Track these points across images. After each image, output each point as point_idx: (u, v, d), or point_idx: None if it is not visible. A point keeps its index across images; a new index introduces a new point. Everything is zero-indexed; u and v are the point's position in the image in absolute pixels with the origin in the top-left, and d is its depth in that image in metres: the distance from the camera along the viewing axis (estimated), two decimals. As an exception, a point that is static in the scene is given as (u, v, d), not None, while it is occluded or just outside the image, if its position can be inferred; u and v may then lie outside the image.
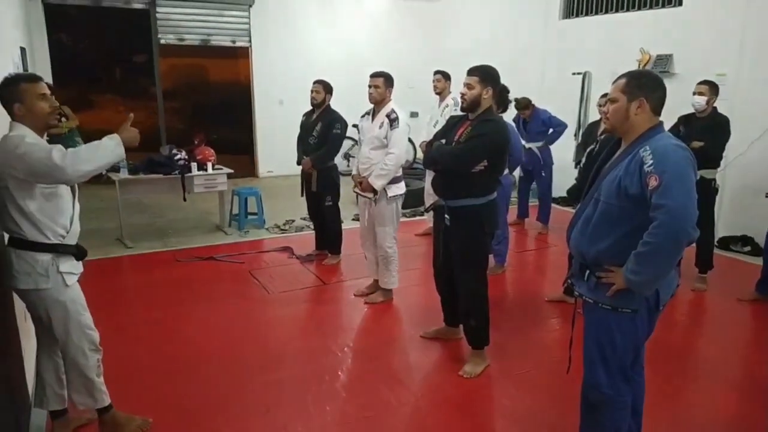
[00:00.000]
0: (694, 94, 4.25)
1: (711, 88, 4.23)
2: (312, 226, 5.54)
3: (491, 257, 4.94)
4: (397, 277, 4.20)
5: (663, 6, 6.58)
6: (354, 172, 4.27)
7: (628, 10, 7.01)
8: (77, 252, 2.41)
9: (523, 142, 6.26)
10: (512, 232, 6.10)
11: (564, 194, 6.35)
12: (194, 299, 4.29)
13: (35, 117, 2.27)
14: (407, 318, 4.05)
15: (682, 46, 6.21)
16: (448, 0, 9.85)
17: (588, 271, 2.15)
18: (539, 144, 6.20)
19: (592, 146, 3.76)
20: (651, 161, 1.92)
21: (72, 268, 2.38)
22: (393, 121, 3.93)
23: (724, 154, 4.42)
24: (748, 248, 5.45)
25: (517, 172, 6.47)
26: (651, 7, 6.72)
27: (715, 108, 4.28)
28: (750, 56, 5.56)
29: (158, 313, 4.01)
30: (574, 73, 7.51)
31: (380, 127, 3.97)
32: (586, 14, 7.58)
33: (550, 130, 6.19)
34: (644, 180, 1.92)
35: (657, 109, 2.08)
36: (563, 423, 2.77)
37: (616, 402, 2.17)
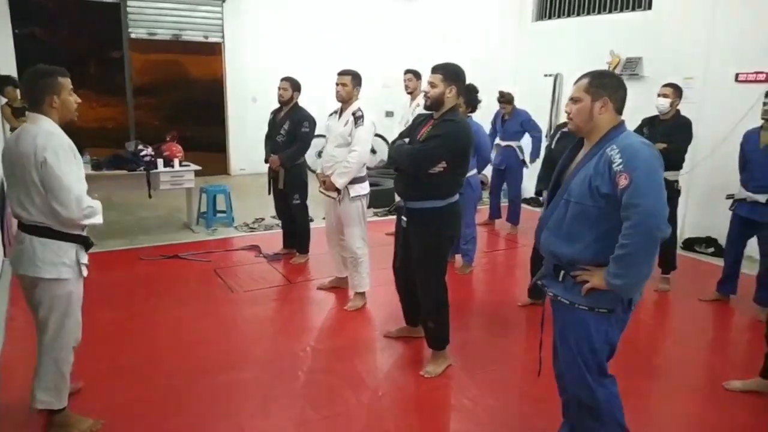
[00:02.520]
0: (658, 96, 4.30)
1: (675, 90, 4.28)
2: (280, 225, 5.48)
3: (459, 257, 4.97)
4: (368, 279, 4.15)
5: (633, 9, 6.67)
6: (318, 171, 4.23)
7: (599, 13, 7.09)
8: (90, 243, 2.50)
9: (498, 140, 6.32)
10: (482, 232, 6.13)
11: (534, 195, 6.41)
12: (156, 298, 4.20)
13: (67, 111, 2.38)
14: (374, 318, 4.02)
15: (651, 49, 6.30)
16: (424, 0, 9.84)
17: (563, 272, 2.14)
18: (516, 143, 6.22)
19: (548, 142, 3.77)
20: (620, 160, 1.93)
21: (86, 259, 2.47)
22: (358, 119, 3.89)
23: (687, 156, 4.49)
24: (711, 249, 5.54)
25: (489, 172, 6.50)
26: (621, 11, 6.81)
27: (678, 111, 4.33)
28: (717, 60, 5.65)
29: (118, 312, 3.92)
30: (546, 75, 7.56)
31: (345, 125, 3.94)
32: (559, 16, 7.65)
33: (531, 138, 6.25)
34: (614, 179, 1.92)
35: (620, 109, 2.10)
36: (524, 423, 2.78)
37: (608, 396, 2.17)
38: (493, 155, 6.24)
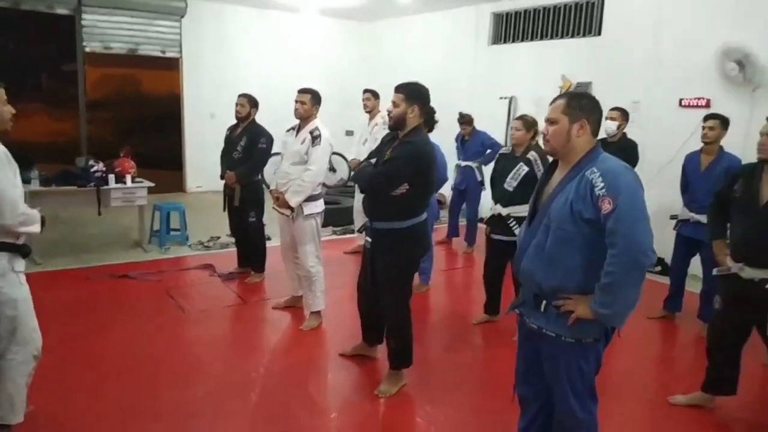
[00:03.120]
0: (606, 119, 4.46)
1: (622, 114, 4.45)
2: (235, 243, 5.40)
3: (416, 275, 4.98)
4: (322, 298, 4.09)
5: (583, 35, 6.93)
6: (273, 187, 4.20)
7: (551, 38, 7.33)
8: (26, 251, 2.44)
9: (460, 161, 6.41)
10: (440, 251, 6.18)
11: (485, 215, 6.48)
12: (104, 319, 4.06)
13: (0, 121, 2.35)
14: (330, 338, 3.98)
15: (600, 74, 6.54)
16: (383, 21, 10.00)
17: (545, 302, 2.06)
18: (475, 164, 6.31)
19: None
20: (602, 184, 1.89)
21: (23, 267, 2.41)
22: (315, 138, 3.88)
23: (634, 178, 4.64)
24: (658, 268, 5.72)
25: (448, 192, 6.57)
26: (573, 36, 7.06)
27: (624, 133, 4.50)
28: (661, 85, 5.91)
29: (64, 333, 3.75)
30: (501, 98, 7.75)
31: (302, 143, 3.93)
32: (513, 41, 7.87)
33: (488, 151, 6.33)
34: (597, 203, 1.89)
35: (596, 131, 2.05)
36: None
37: (591, 422, 2.15)
38: (454, 175, 6.37)
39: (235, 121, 4.88)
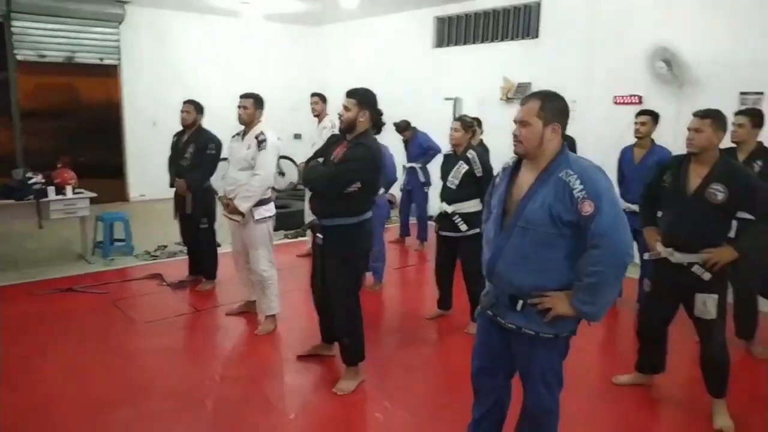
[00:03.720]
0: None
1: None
2: (186, 251, 5.31)
3: (370, 274, 5.05)
4: (277, 302, 4.10)
5: (522, 38, 7.17)
6: (221, 194, 4.17)
7: (492, 41, 7.55)
8: None
9: (405, 162, 6.51)
10: (393, 249, 6.26)
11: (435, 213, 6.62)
12: (49, 334, 3.92)
13: None
14: (285, 341, 3.98)
15: (539, 75, 6.79)
16: (329, 25, 10.04)
17: (521, 302, 2.09)
18: (418, 165, 6.43)
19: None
20: (580, 186, 1.93)
21: None
22: (261, 142, 3.89)
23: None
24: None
25: (399, 192, 6.67)
26: (512, 39, 7.30)
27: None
28: (597, 84, 6.20)
29: (7, 351, 3.61)
30: (446, 99, 7.92)
31: (248, 148, 3.93)
32: (456, 44, 8.06)
33: (429, 152, 6.45)
34: (577, 205, 1.93)
35: (564, 133, 2.11)
36: (434, 431, 2.86)
37: (555, 411, 2.24)
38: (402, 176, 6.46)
39: (180, 128, 4.82)
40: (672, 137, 4.99)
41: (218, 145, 4.74)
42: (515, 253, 2.07)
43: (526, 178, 2.11)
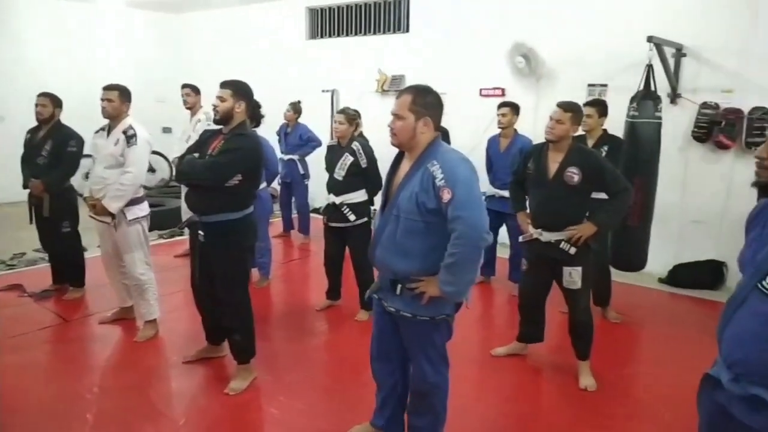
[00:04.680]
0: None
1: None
2: (47, 258, 4.86)
3: (256, 270, 4.97)
4: (156, 306, 3.90)
5: (394, 32, 7.39)
6: (86, 194, 3.88)
7: (366, 33, 7.69)
8: None
9: (283, 154, 6.44)
10: (278, 244, 6.20)
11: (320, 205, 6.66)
12: None
13: None
14: (169, 345, 3.81)
15: (412, 68, 7.05)
16: (196, 13, 9.57)
17: (400, 286, 2.23)
18: (297, 156, 6.39)
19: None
20: (441, 175, 2.06)
21: None
22: (130, 137, 3.67)
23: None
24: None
25: (277, 186, 6.58)
26: (385, 32, 7.49)
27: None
28: (465, 77, 6.56)
29: None
30: (323, 91, 7.95)
31: (116, 144, 3.69)
32: (330, 36, 8.10)
33: (309, 143, 6.43)
34: (438, 193, 2.06)
35: (437, 126, 2.23)
36: (334, 421, 2.91)
37: (442, 386, 2.38)
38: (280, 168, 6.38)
39: (35, 124, 4.37)
40: (532, 125, 5.46)
41: (80, 142, 4.36)
42: (390, 239, 2.22)
43: (404, 168, 2.26)
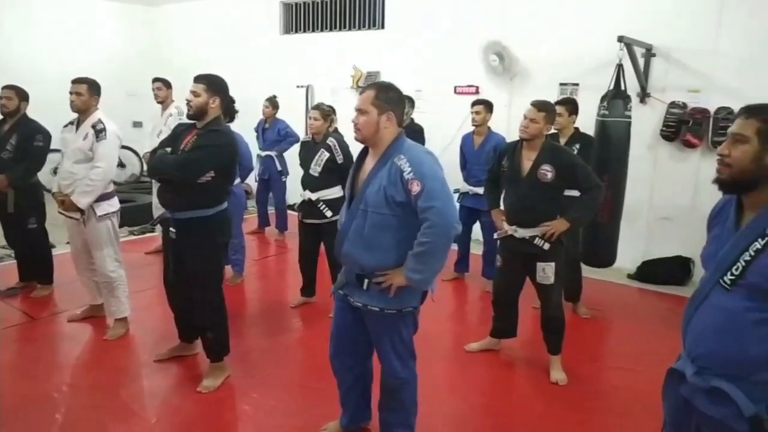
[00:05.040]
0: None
1: (408, 101, 4.89)
2: (13, 255, 4.74)
3: (229, 267, 4.92)
4: (127, 303, 3.85)
5: (369, 28, 7.37)
6: (55, 189, 3.80)
7: (341, 29, 7.66)
8: None
9: (260, 150, 6.38)
10: (252, 241, 6.16)
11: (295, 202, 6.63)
12: None
13: None
14: (140, 344, 3.75)
15: (387, 64, 7.05)
16: (170, 6, 9.41)
17: (367, 280, 2.26)
18: (274, 153, 6.34)
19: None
20: (409, 169, 2.10)
21: None
22: (99, 132, 3.60)
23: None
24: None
25: (253, 182, 6.53)
26: (360, 29, 7.47)
27: (412, 119, 4.97)
28: (439, 74, 6.58)
29: None
30: (298, 86, 7.89)
31: (84, 138, 3.61)
32: (305, 31, 8.05)
33: (287, 139, 6.38)
34: (407, 186, 2.10)
35: (400, 121, 2.27)
36: (306, 417, 2.91)
37: (411, 381, 2.41)
38: (256, 165, 6.32)
39: (0, 117, 4.26)
40: (506, 123, 5.53)
41: (47, 136, 4.26)
42: (357, 234, 2.24)
43: (369, 163, 2.28)
